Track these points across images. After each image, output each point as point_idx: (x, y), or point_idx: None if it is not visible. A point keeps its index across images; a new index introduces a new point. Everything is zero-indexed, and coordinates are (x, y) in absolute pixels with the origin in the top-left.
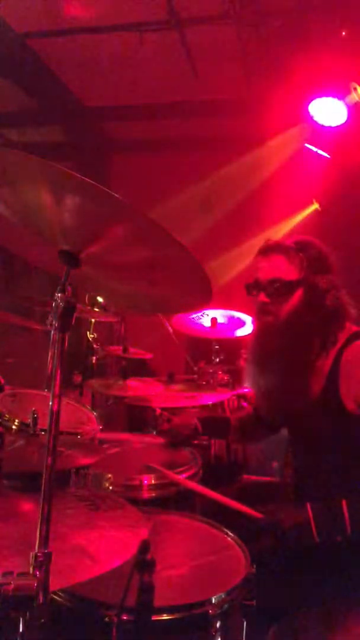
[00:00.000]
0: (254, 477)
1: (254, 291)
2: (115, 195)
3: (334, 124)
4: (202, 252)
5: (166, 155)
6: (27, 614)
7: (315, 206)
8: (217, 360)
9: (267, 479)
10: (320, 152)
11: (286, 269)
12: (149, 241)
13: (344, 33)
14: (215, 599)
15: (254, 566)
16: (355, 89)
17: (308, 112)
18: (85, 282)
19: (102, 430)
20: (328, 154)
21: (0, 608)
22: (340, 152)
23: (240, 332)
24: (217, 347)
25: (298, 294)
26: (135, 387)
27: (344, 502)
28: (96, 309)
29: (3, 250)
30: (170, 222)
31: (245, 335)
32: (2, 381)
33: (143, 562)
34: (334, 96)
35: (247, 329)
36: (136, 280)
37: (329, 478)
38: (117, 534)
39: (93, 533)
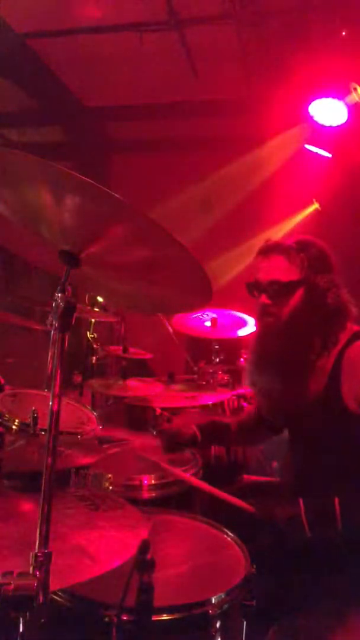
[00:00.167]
0: (254, 477)
1: (254, 291)
2: (115, 195)
3: (334, 124)
4: (202, 252)
5: (166, 155)
6: (27, 614)
7: (315, 206)
8: (217, 360)
9: (267, 479)
10: (320, 151)
11: (286, 270)
12: (149, 241)
13: (344, 33)
14: (215, 599)
15: (254, 566)
16: (355, 89)
17: (308, 112)
18: (85, 282)
19: (102, 430)
20: (329, 154)
21: (0, 608)
22: (340, 152)
23: (241, 332)
24: (217, 347)
25: (299, 294)
26: (135, 387)
27: (336, 499)
28: (96, 309)
29: (3, 250)
30: (170, 222)
31: (246, 335)
32: (2, 381)
33: (143, 562)
34: (334, 96)
35: (247, 329)
36: (136, 280)
37: (328, 477)
38: (117, 534)
39: (93, 533)
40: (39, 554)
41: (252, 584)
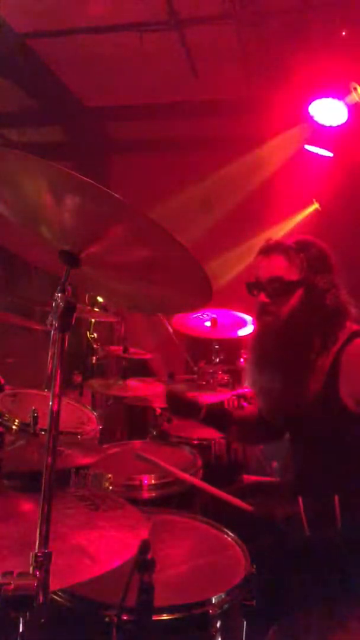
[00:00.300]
0: (253, 477)
1: (254, 290)
2: (115, 195)
3: (334, 124)
4: (202, 252)
5: (166, 155)
6: (27, 614)
7: (315, 206)
8: (217, 360)
9: (267, 479)
10: (321, 151)
11: (286, 269)
12: (149, 241)
13: (344, 33)
14: (215, 599)
15: (254, 566)
16: (355, 89)
17: (308, 112)
18: (85, 282)
19: (102, 430)
20: (330, 153)
21: (0, 608)
22: (340, 152)
23: (241, 332)
24: (217, 347)
25: (298, 294)
26: (135, 387)
27: (336, 498)
28: (96, 309)
29: (3, 250)
30: (170, 222)
31: (246, 335)
32: (2, 381)
33: (143, 562)
34: (334, 96)
35: (247, 329)
36: (136, 280)
37: (328, 476)
38: (117, 534)
39: (93, 533)
40: (39, 554)
41: (252, 584)
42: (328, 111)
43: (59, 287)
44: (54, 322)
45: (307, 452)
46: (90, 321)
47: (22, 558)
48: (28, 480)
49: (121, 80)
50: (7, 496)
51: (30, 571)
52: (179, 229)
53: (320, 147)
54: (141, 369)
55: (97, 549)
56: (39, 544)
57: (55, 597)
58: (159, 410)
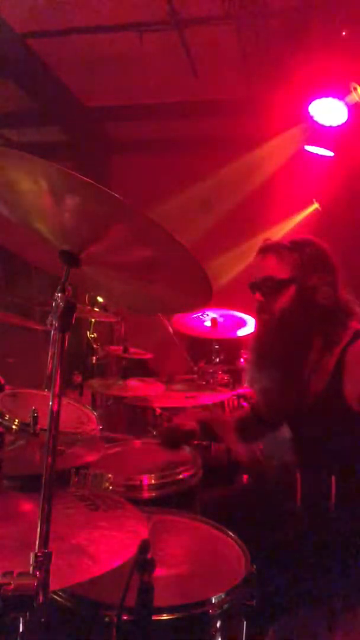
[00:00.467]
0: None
1: (252, 290)
2: (115, 195)
3: (334, 124)
4: (202, 252)
5: (166, 155)
6: (27, 614)
7: (315, 206)
8: (217, 360)
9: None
10: (322, 151)
11: (278, 268)
12: (149, 241)
13: (344, 33)
14: (215, 599)
15: (254, 566)
16: (355, 89)
17: (308, 112)
18: (85, 282)
19: (102, 430)
20: (331, 152)
21: (0, 608)
22: (340, 152)
23: (240, 332)
24: (217, 347)
25: (289, 292)
26: (135, 387)
27: (333, 478)
28: (96, 309)
29: (3, 250)
30: (170, 222)
31: (246, 335)
32: (2, 381)
33: (143, 562)
34: (334, 96)
35: (247, 329)
36: (136, 280)
37: (329, 475)
38: (117, 534)
39: (93, 533)
40: (39, 554)
41: (252, 584)
42: (328, 111)
43: (59, 287)
44: (54, 322)
45: (309, 452)
46: (90, 321)
47: (22, 558)
48: (28, 480)
49: (121, 80)
50: (7, 496)
51: (30, 571)
52: (179, 229)
53: (320, 147)
54: (141, 369)
55: (97, 549)
56: (39, 544)
57: (55, 597)
58: (159, 410)
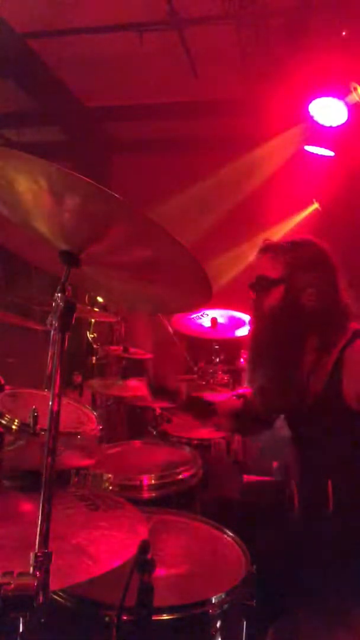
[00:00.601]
0: (254, 477)
1: (250, 289)
2: (115, 195)
3: (334, 124)
4: (202, 252)
5: (166, 155)
6: (27, 614)
7: (315, 206)
8: (217, 360)
9: (267, 479)
10: (322, 151)
11: (271, 268)
12: (149, 241)
13: (344, 33)
14: (215, 599)
15: (254, 566)
16: (355, 88)
17: (308, 112)
18: (85, 282)
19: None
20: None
21: (0, 608)
22: (340, 152)
23: (240, 332)
24: (217, 347)
25: (278, 291)
26: (135, 387)
27: (329, 482)
28: (96, 309)
29: (3, 250)
30: (170, 222)
31: (245, 335)
32: (2, 381)
33: (143, 562)
34: (334, 96)
35: (247, 329)
36: (136, 280)
37: (330, 472)
38: (117, 534)
39: (93, 533)
40: (39, 554)
41: (252, 584)
42: (328, 111)
43: (59, 287)
44: (54, 322)
45: (308, 452)
46: (90, 321)
47: (22, 558)
48: (28, 480)
49: (121, 80)
50: (7, 496)
51: (30, 571)
52: (179, 228)
53: (320, 147)
54: (141, 369)
55: (97, 549)
56: (39, 544)
57: (55, 597)
58: (159, 410)
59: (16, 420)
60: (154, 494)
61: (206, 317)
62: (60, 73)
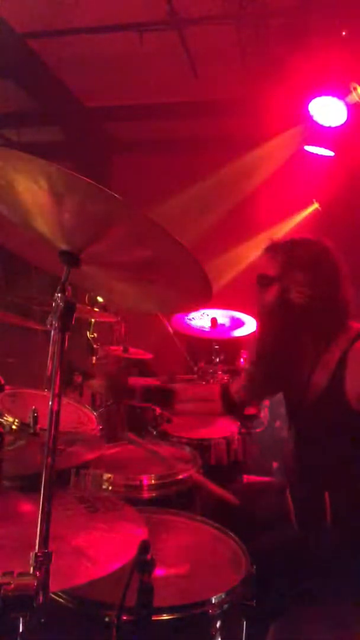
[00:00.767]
0: (253, 477)
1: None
2: (115, 195)
3: (334, 124)
4: (202, 252)
5: (166, 155)
6: (27, 614)
7: (315, 206)
8: (217, 360)
9: (267, 479)
10: (321, 151)
11: (270, 266)
12: (149, 241)
13: (344, 33)
14: (215, 599)
15: (254, 566)
16: (355, 88)
17: (308, 112)
18: (85, 282)
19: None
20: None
21: (0, 608)
22: (340, 152)
23: (240, 332)
24: (217, 347)
25: (274, 289)
26: None
27: (326, 494)
28: (96, 309)
29: (3, 250)
30: (170, 222)
31: (245, 335)
32: (2, 381)
33: (143, 562)
34: (334, 96)
35: (246, 329)
36: (136, 280)
37: (329, 473)
38: (116, 535)
39: (92, 535)
40: (39, 554)
41: (252, 584)
42: (328, 111)
43: (59, 287)
44: (54, 322)
45: (308, 449)
46: (90, 321)
47: (22, 558)
48: (28, 480)
49: (121, 80)
50: (7, 496)
51: (30, 571)
52: (179, 228)
53: (320, 147)
54: (141, 369)
55: (96, 551)
56: (39, 544)
57: (55, 597)
58: (159, 410)
59: (16, 420)
60: (154, 494)
61: (206, 317)
62: (60, 73)
